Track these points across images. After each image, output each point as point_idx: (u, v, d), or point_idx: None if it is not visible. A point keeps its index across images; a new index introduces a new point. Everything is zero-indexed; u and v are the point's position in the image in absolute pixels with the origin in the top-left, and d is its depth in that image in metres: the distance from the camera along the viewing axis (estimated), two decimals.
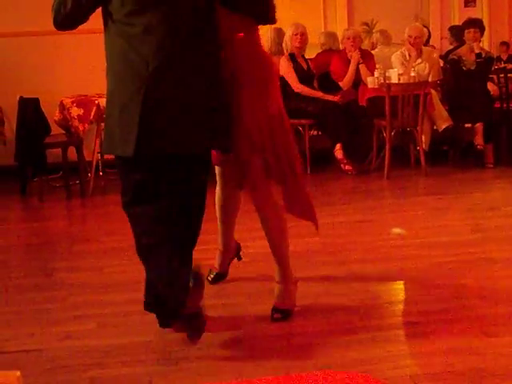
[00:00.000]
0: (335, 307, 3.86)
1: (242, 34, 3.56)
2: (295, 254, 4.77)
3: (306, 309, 3.84)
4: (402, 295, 4.23)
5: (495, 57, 10.82)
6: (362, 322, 3.64)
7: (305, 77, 8.26)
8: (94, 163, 7.46)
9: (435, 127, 8.11)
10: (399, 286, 4.27)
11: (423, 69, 8.09)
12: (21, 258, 5.40)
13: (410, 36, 8.28)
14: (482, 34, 8.58)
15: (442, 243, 5.02)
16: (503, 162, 8.13)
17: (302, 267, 4.49)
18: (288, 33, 8.44)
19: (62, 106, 7.31)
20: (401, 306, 3.99)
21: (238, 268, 4.48)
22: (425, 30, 8.98)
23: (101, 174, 8.09)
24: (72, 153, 7.35)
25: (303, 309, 3.83)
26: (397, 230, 5.50)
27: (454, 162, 8.25)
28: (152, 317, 3.53)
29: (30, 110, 7.26)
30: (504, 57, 12.65)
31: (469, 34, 8.44)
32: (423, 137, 7.76)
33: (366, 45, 9.57)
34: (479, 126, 7.97)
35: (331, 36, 9.34)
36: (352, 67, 8.37)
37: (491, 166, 7.99)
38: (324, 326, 3.60)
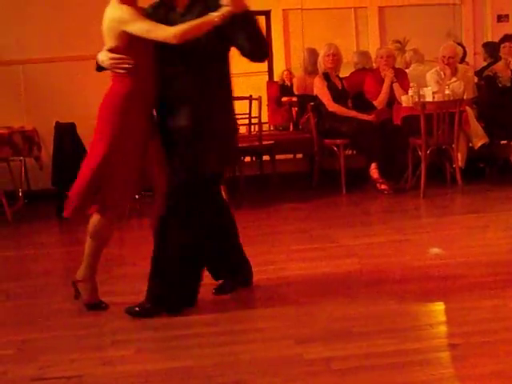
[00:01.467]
0: (375, 330, 3.82)
1: None
2: (334, 276, 4.80)
3: (346, 332, 3.81)
4: (441, 316, 4.17)
5: None
6: (402, 344, 3.59)
7: (339, 96, 8.25)
8: None
9: (471, 145, 8.06)
10: (439, 306, 4.22)
11: (458, 87, 8.03)
12: (60, 282, 5.40)
13: (443, 56, 8.26)
14: None
15: (481, 263, 4.97)
16: None
17: (341, 288, 4.49)
18: (321, 53, 8.46)
19: None
20: (441, 328, 3.93)
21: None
22: (459, 48, 8.93)
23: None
24: None
25: (343, 332, 3.81)
26: (435, 250, 5.46)
27: (491, 179, 8.19)
28: (191, 342, 3.52)
29: (66, 134, 7.32)
30: None
31: (504, 49, 8.38)
32: (459, 154, 7.71)
33: (399, 63, 9.54)
34: None
35: (364, 55, 9.34)
36: (386, 86, 8.35)
37: None
38: (364, 348, 3.56)
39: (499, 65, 8.31)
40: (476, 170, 8.34)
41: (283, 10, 14.10)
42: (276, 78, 12.77)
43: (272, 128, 12.78)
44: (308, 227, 6.44)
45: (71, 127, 7.45)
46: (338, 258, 5.29)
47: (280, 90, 12.69)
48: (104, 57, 4.14)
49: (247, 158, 8.94)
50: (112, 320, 4.22)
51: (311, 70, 8.83)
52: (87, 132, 7.41)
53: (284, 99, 12.17)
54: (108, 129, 4.13)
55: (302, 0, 12.32)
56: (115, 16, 4.04)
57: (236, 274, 4.56)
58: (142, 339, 3.90)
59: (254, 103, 8.95)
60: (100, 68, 4.25)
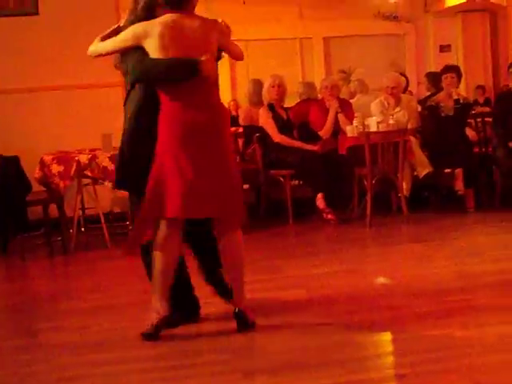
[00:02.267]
0: (323, 361, 3.82)
1: None
2: (281, 306, 4.80)
3: (293, 363, 3.80)
4: (389, 347, 4.19)
5: (472, 101, 10.97)
6: (349, 375, 3.60)
7: (284, 127, 8.29)
8: (76, 219, 7.42)
9: (415, 173, 8.15)
10: (386, 336, 4.24)
11: (402, 116, 8.15)
12: (4, 319, 5.32)
13: (387, 86, 8.39)
14: (459, 80, 8.66)
15: (427, 291, 5.00)
16: (484, 206, 8.15)
17: (288, 320, 4.48)
18: (266, 84, 8.51)
19: (43, 163, 7.28)
20: (388, 358, 3.94)
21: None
22: (402, 78, 9.07)
23: (83, 229, 8.05)
24: (53, 210, 7.32)
25: (291, 363, 3.80)
26: (381, 280, 5.49)
27: (436, 207, 8.28)
28: (138, 377, 3.48)
29: (10, 168, 7.24)
30: (481, 100, 12.84)
31: (446, 80, 8.50)
32: (404, 183, 7.80)
33: (344, 93, 9.64)
34: (459, 171, 8.01)
35: (309, 86, 9.41)
36: (331, 116, 8.41)
37: (472, 210, 8.02)
38: (312, 380, 3.56)
39: (441, 95, 8.43)
40: (421, 199, 8.44)
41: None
42: None
43: None
44: (255, 258, 6.39)
45: (15, 160, 7.37)
46: (285, 289, 5.30)
47: None
48: None
49: None
50: (60, 356, 4.17)
51: (256, 100, 8.87)
52: (31, 165, 7.40)
53: (231, 129, 12.20)
54: None
55: (246, 31, 12.40)
56: None
57: (183, 308, 4.53)
58: (89, 375, 3.84)
59: None
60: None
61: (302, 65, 14.72)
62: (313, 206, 7.99)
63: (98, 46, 4.36)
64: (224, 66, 15.17)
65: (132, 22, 4.26)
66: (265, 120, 8.27)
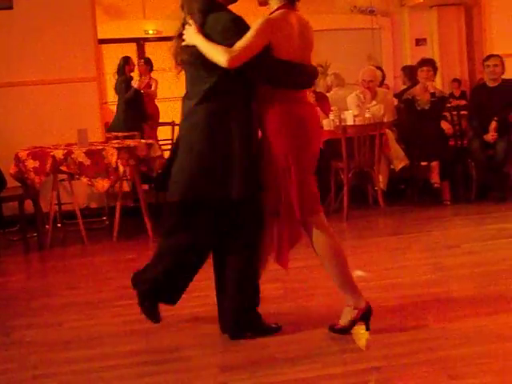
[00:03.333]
0: (299, 355, 3.83)
1: None
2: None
3: (270, 358, 3.81)
4: (362, 340, 4.19)
5: (448, 94, 11.00)
6: (326, 369, 3.61)
7: None
8: (52, 215, 7.37)
9: (392, 167, 8.18)
10: (362, 330, 4.24)
11: (378, 110, 8.17)
12: None
13: (363, 80, 8.41)
14: (435, 74, 8.68)
15: (403, 284, 5.03)
16: (460, 198, 8.20)
17: (265, 314, 4.47)
18: None
19: (18, 159, 7.23)
20: (364, 352, 3.95)
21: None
22: (378, 72, 9.08)
23: (59, 225, 8.00)
24: (29, 205, 7.27)
25: (267, 358, 3.81)
26: (358, 273, 5.49)
27: (412, 200, 8.31)
28: (111, 374, 3.47)
29: None
30: (457, 93, 12.89)
31: (422, 73, 8.51)
32: (380, 177, 7.82)
33: (320, 87, 9.63)
34: (435, 164, 8.06)
35: None
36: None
37: (448, 203, 8.07)
38: (289, 375, 3.57)
39: (417, 88, 8.45)
40: (397, 192, 8.47)
41: None
42: None
43: None
44: None
45: None
46: (262, 283, 5.26)
47: None
48: None
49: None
50: (34, 353, 4.14)
51: None
52: (6, 161, 7.35)
53: None
54: None
55: None
56: None
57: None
58: (63, 372, 3.83)
59: (177, 129, 8.92)
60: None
61: None
62: None
63: (236, 52, 3.80)
64: None
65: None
66: None
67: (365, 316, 4.09)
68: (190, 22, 3.94)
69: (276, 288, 5.12)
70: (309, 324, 4.29)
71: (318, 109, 8.32)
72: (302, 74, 3.99)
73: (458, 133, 8.72)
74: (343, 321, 4.12)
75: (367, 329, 4.07)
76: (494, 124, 8.15)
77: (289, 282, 5.25)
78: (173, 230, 4.20)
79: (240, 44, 3.79)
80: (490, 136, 8.14)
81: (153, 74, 11.31)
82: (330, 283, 5.10)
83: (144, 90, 10.69)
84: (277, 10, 3.98)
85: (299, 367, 3.66)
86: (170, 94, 11.47)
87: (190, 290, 5.13)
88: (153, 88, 11.06)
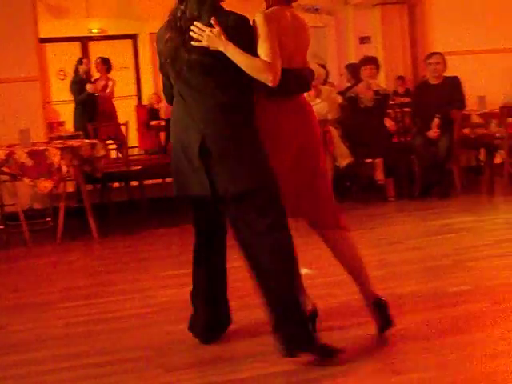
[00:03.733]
0: (244, 354, 3.83)
1: None
2: None
3: (215, 357, 3.81)
4: None
5: (392, 91, 11.11)
6: (269, 368, 3.61)
7: None
8: None
9: (336, 164, 8.22)
10: None
11: (322, 108, 8.19)
12: None
13: None
14: (378, 71, 8.75)
15: (348, 281, 5.03)
16: (404, 195, 8.28)
17: None
18: None
19: None
20: None
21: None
22: (321, 70, 9.11)
23: (1, 227, 7.88)
24: None
25: (213, 357, 3.80)
26: (304, 270, 5.49)
27: (357, 197, 8.37)
28: (54, 378, 3.43)
29: None
30: (400, 90, 13.00)
31: (365, 71, 8.58)
32: None
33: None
34: (379, 161, 8.13)
35: None
36: None
37: (392, 199, 8.16)
38: (235, 373, 3.57)
39: (360, 86, 8.51)
40: (342, 189, 8.51)
41: (150, 33, 14.09)
42: (145, 102, 12.77)
43: (143, 152, 12.71)
44: (177, 252, 6.41)
45: None
46: None
47: (149, 114, 12.65)
48: None
49: (115, 184, 8.85)
50: None
51: None
52: None
53: (153, 123, 12.13)
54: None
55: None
56: None
57: None
58: (7, 376, 3.77)
59: (123, 128, 8.90)
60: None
61: None
62: None
63: (275, 67, 3.61)
64: (146, 58, 15.10)
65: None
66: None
67: (311, 317, 4.09)
68: (212, 21, 3.62)
69: None
70: (253, 322, 4.28)
71: None
72: (298, 80, 3.85)
73: (401, 130, 8.82)
74: None
75: (314, 330, 4.07)
76: (436, 121, 8.24)
77: (230, 281, 5.23)
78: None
79: (265, 54, 3.61)
80: (433, 133, 8.24)
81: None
82: None
83: (100, 93, 10.59)
84: (271, 5, 3.84)
85: (244, 366, 3.66)
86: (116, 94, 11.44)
87: (134, 291, 5.14)
88: (109, 90, 10.91)
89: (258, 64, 3.59)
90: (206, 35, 3.62)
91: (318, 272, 5.40)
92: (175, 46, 3.72)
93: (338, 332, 4.06)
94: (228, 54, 3.60)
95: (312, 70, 4.06)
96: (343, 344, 3.79)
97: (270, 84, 3.58)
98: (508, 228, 6.55)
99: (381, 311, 3.96)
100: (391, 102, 9.12)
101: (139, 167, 8.52)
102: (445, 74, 8.60)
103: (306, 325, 3.69)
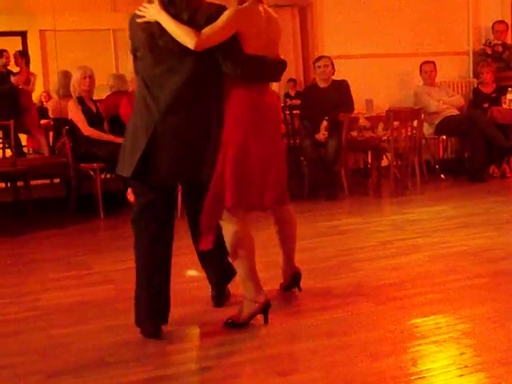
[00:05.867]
0: (129, 358, 3.79)
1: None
2: (89, 304, 4.72)
3: (99, 362, 3.75)
4: (196, 340, 4.21)
5: (284, 93, 11.22)
6: (156, 371, 3.58)
7: (94, 120, 8.16)
8: None
9: None
10: (194, 330, 4.25)
11: None
12: None
13: None
14: None
15: (236, 283, 5.04)
16: (293, 196, 8.24)
17: (95, 317, 4.42)
18: (76, 76, 8.31)
19: None
20: (194, 352, 3.95)
21: None
22: None
23: None
24: None
25: (96, 362, 3.75)
26: (192, 272, 5.49)
27: None
28: None
29: None
30: (292, 93, 13.11)
31: None
32: None
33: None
34: None
35: (120, 78, 9.31)
36: None
37: None
38: (118, 378, 3.52)
39: None
40: None
41: (40, 30, 13.81)
42: (35, 101, 12.48)
43: (31, 152, 12.45)
44: (65, 254, 6.31)
45: None
46: (94, 285, 5.22)
47: (38, 113, 12.40)
48: None
49: (1, 184, 8.65)
50: None
51: (64, 93, 8.69)
52: None
53: (42, 122, 11.90)
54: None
55: (55, 21, 12.09)
56: None
57: None
58: None
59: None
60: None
61: (115, 57, 14.52)
62: (124, 199, 7.90)
63: (204, 36, 3.87)
64: (36, 55, 14.78)
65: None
66: (74, 113, 8.10)
67: (265, 309, 4.18)
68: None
69: (108, 289, 5.06)
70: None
71: None
72: (270, 68, 4.18)
73: (290, 132, 8.90)
74: (244, 314, 4.17)
75: (266, 321, 4.16)
76: (324, 123, 8.36)
77: (120, 282, 5.20)
78: None
79: (209, 30, 3.88)
80: (321, 135, 8.35)
81: None
82: None
83: (23, 86, 10.34)
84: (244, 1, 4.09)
85: (130, 370, 3.62)
86: None
87: (19, 294, 5.03)
88: (31, 84, 10.67)
89: (187, 30, 3.87)
90: (146, 10, 3.98)
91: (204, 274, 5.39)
92: (151, 33, 3.98)
93: (224, 334, 4.06)
94: (161, 22, 3.92)
95: (284, 61, 4.32)
96: (229, 346, 3.80)
97: (188, 46, 3.86)
98: (393, 229, 6.68)
99: (298, 279, 4.78)
100: (282, 105, 9.19)
101: (26, 167, 8.34)
102: (333, 78, 8.73)
103: None
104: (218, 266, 4.57)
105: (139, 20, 4.00)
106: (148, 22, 3.99)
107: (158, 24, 3.96)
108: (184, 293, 4.84)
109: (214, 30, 3.89)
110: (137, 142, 3.99)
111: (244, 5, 4.07)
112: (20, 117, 9.94)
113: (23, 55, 10.86)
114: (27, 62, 10.86)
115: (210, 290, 4.61)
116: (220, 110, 4.04)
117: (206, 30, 3.88)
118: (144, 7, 4.00)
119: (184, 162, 4.01)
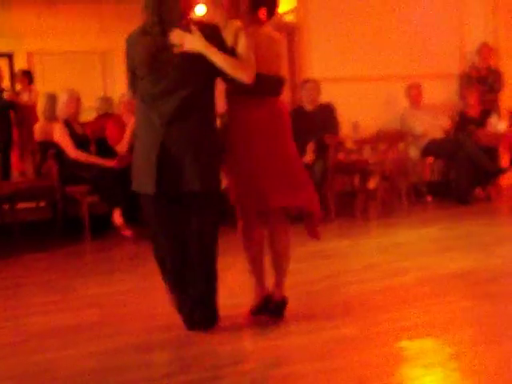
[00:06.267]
0: (115, 381, 3.76)
1: None
2: (75, 328, 4.69)
3: None
4: (171, 365, 4.15)
5: None
6: None
7: (81, 143, 8.16)
8: None
9: None
10: (169, 355, 4.22)
11: None
12: None
13: None
14: None
15: (226, 305, 5.01)
16: None
17: (81, 341, 4.39)
18: (62, 99, 8.31)
19: None
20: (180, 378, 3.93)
21: None
22: None
23: None
24: None
25: None
26: None
27: (232, 222, 8.35)
28: None
29: None
30: None
31: None
32: None
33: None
34: None
35: (107, 101, 9.32)
36: (128, 132, 8.33)
37: None
38: None
39: None
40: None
41: (28, 52, 13.81)
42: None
43: (17, 175, 12.40)
44: (50, 278, 6.28)
45: None
46: (79, 309, 5.19)
47: None
48: None
49: None
50: None
51: (50, 115, 8.68)
52: None
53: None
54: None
55: (43, 43, 12.12)
56: None
57: None
58: None
59: None
60: None
61: (103, 79, 14.52)
62: (111, 222, 7.89)
63: (250, 65, 4.16)
64: None
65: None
66: (60, 136, 8.09)
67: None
68: (193, 28, 4.14)
69: (93, 314, 5.03)
70: (126, 349, 4.22)
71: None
72: (268, 84, 4.36)
73: None
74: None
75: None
76: (311, 146, 8.38)
77: (106, 306, 5.18)
78: None
79: (246, 57, 4.14)
80: (308, 158, 8.36)
81: None
82: (145, 308, 5.10)
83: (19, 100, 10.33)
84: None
85: None
86: None
87: (4, 319, 4.99)
88: (29, 98, 10.63)
89: (236, 62, 4.11)
90: (187, 40, 4.12)
91: None
92: (155, 50, 4.18)
93: (215, 354, 4.04)
94: (208, 55, 4.11)
95: (281, 78, 4.52)
96: (213, 372, 3.79)
97: (245, 81, 4.11)
98: (380, 252, 6.68)
99: (282, 308, 4.64)
100: None
101: (11, 190, 8.31)
102: (320, 101, 8.76)
103: None
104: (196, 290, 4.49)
105: (176, 49, 4.15)
106: (152, 39, 4.19)
107: (162, 38, 4.16)
108: (170, 316, 4.81)
109: (250, 57, 4.14)
110: (149, 157, 4.22)
111: (250, 29, 4.26)
112: (15, 133, 9.94)
113: (25, 75, 10.90)
114: (30, 82, 10.88)
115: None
116: (214, 119, 4.35)
117: (245, 59, 4.12)
118: (179, 35, 4.15)
119: (184, 172, 4.22)
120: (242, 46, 4.14)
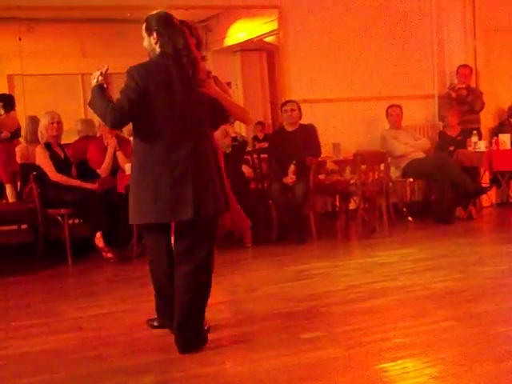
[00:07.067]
0: None
1: None
2: (56, 352, 4.67)
3: None
4: None
5: (252, 136, 11.28)
6: None
7: (62, 165, 8.13)
8: None
9: None
10: (152, 378, 4.21)
11: None
12: None
13: None
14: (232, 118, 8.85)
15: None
16: (261, 240, 8.36)
17: (63, 365, 4.37)
18: (43, 121, 8.28)
19: None
20: None
21: None
22: None
23: None
24: None
25: None
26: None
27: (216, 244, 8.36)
28: None
29: None
30: (260, 136, 13.19)
31: None
32: None
33: (123, 131, 9.57)
34: None
35: (88, 123, 9.29)
36: (109, 154, 8.33)
37: (250, 245, 8.21)
38: None
39: (217, 132, 8.55)
40: None
41: (8, 75, 13.79)
42: None
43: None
44: (31, 301, 6.24)
45: None
46: (61, 332, 5.17)
47: None
48: None
49: None
50: None
51: (31, 138, 8.67)
52: None
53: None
54: None
55: (23, 65, 12.09)
56: None
57: None
58: None
59: None
60: None
61: (84, 101, 14.51)
62: (92, 245, 7.86)
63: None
64: None
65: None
66: (41, 159, 8.07)
67: None
68: (211, 76, 4.68)
69: (75, 337, 5.01)
70: (104, 374, 4.21)
71: (121, 153, 8.32)
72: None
73: (259, 176, 8.92)
74: None
75: None
76: (292, 167, 8.40)
77: (88, 330, 5.16)
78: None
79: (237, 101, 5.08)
80: (289, 179, 8.39)
81: None
82: (128, 331, 5.09)
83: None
84: None
85: None
86: None
87: None
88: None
89: (244, 108, 5.05)
90: (208, 83, 4.58)
91: None
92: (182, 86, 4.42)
93: (191, 379, 4.03)
94: (221, 99, 4.66)
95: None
96: None
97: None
98: (361, 273, 6.69)
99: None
100: (249, 149, 9.24)
101: None
102: (301, 122, 8.80)
103: None
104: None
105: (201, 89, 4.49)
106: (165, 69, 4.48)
107: (174, 65, 4.44)
108: (150, 339, 4.81)
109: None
110: (159, 186, 4.39)
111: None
112: None
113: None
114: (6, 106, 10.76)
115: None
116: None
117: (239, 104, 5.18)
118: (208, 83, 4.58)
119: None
120: (234, 98, 4.78)
